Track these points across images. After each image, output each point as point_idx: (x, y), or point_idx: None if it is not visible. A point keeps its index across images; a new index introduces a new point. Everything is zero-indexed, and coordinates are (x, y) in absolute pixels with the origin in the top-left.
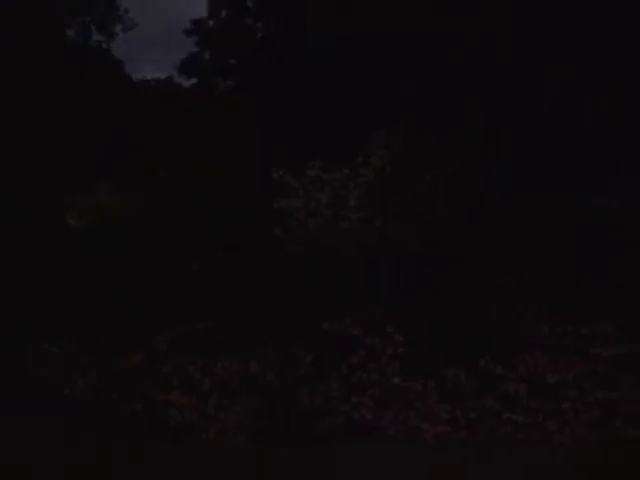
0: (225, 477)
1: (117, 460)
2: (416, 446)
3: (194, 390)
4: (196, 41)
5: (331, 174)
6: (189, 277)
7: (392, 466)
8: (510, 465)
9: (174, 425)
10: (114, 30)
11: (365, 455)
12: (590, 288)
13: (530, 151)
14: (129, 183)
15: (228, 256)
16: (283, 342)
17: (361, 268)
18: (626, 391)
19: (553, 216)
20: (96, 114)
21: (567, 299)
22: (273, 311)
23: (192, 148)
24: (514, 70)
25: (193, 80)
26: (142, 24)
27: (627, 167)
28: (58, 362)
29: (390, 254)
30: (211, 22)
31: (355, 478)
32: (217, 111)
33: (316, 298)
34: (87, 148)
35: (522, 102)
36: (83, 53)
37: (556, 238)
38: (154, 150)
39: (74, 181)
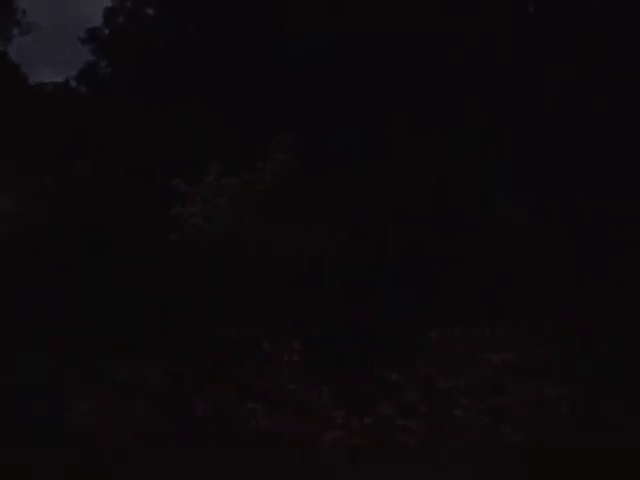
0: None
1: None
2: (311, 451)
3: (89, 394)
4: (92, 49)
5: (229, 179)
6: (83, 281)
7: (279, 469)
8: (401, 470)
9: (73, 429)
10: (11, 33)
11: (256, 459)
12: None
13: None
14: (22, 187)
15: (125, 263)
16: (180, 347)
17: (259, 273)
18: (515, 396)
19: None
20: None
21: (465, 302)
22: (169, 316)
23: (89, 154)
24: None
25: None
26: (45, 28)
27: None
28: None
29: (290, 259)
30: (106, 30)
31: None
32: (113, 118)
33: (213, 304)
34: None
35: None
36: None
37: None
38: (47, 154)
39: None
